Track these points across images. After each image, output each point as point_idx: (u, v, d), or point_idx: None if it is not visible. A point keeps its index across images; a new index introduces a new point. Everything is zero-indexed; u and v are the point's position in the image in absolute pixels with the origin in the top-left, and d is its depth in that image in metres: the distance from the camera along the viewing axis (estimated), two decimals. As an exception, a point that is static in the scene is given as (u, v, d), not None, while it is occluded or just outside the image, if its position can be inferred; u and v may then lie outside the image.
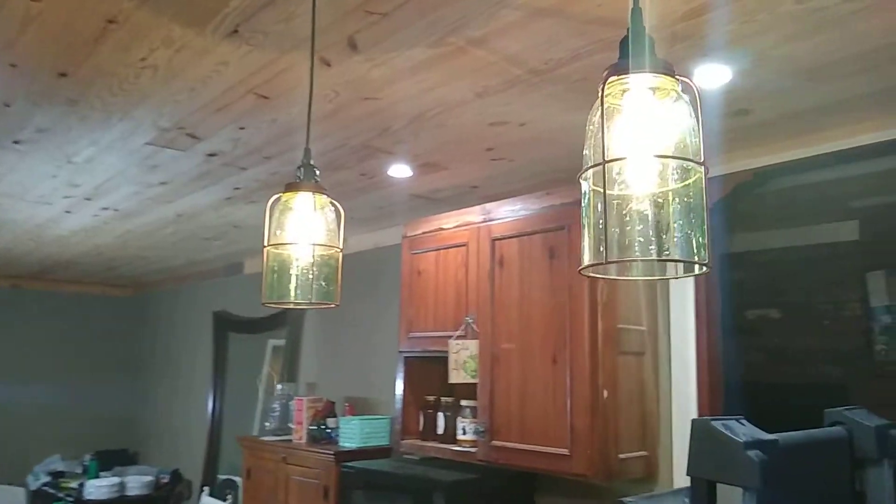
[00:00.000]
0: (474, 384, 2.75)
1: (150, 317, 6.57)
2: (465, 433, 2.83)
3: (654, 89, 0.79)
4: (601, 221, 0.81)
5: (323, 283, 1.24)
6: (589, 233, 0.84)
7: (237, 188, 3.15)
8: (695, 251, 0.73)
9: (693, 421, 1.43)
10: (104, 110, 2.22)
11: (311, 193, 1.27)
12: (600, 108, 0.77)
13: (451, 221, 2.99)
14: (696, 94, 0.75)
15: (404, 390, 3.15)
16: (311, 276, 1.22)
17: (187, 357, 5.82)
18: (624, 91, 0.81)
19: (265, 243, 1.29)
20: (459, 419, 2.86)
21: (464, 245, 2.90)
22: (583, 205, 0.89)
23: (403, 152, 2.61)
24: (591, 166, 0.82)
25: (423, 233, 3.12)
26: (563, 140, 2.41)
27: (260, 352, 4.99)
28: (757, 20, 1.56)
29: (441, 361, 2.98)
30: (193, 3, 1.55)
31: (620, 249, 0.81)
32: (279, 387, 4.19)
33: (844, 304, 3.39)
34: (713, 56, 1.75)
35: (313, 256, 1.22)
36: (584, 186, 0.86)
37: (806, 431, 1.77)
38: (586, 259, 0.84)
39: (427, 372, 3.19)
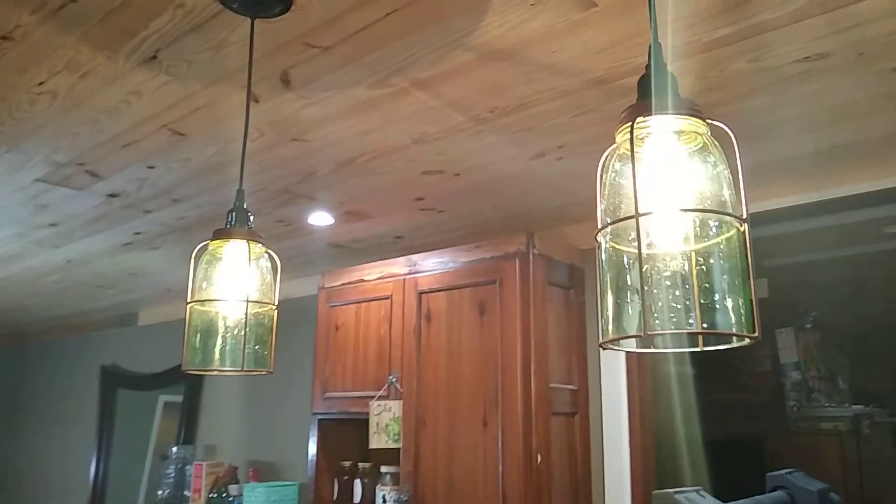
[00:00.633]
0: (397, 449, 2.57)
1: (31, 370, 5.94)
2: (385, 502, 2.62)
3: (679, 133, 0.70)
4: (623, 286, 0.69)
5: (256, 347, 1.07)
6: (609, 298, 0.72)
7: (138, 233, 2.88)
8: (741, 320, 0.63)
9: (654, 494, 1.33)
10: (-12, 140, 1.96)
11: (244, 241, 1.11)
12: (630, 153, 0.67)
13: (373, 272, 2.84)
14: (733, 139, 0.66)
15: (317, 455, 2.91)
16: (241, 339, 1.04)
17: (70, 415, 5.27)
18: (644, 136, 0.71)
19: (188, 299, 1.10)
20: (379, 487, 2.66)
21: (387, 298, 2.75)
22: (601, 266, 0.76)
23: (327, 199, 2.45)
24: (619, 220, 0.70)
25: (343, 284, 2.94)
26: (498, 192, 2.33)
27: (152, 410, 4.58)
28: (710, 77, 1.54)
29: (359, 424, 2.78)
30: (108, 22, 1.36)
31: (657, 319, 0.69)
32: (174, 449, 3.82)
33: (758, 361, 3.47)
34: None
35: (246, 315, 1.05)
36: (603, 244, 0.75)
37: (753, 498, 1.72)
38: (611, 329, 0.71)
39: (343, 435, 2.98)
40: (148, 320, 4.77)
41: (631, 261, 0.72)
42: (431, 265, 2.63)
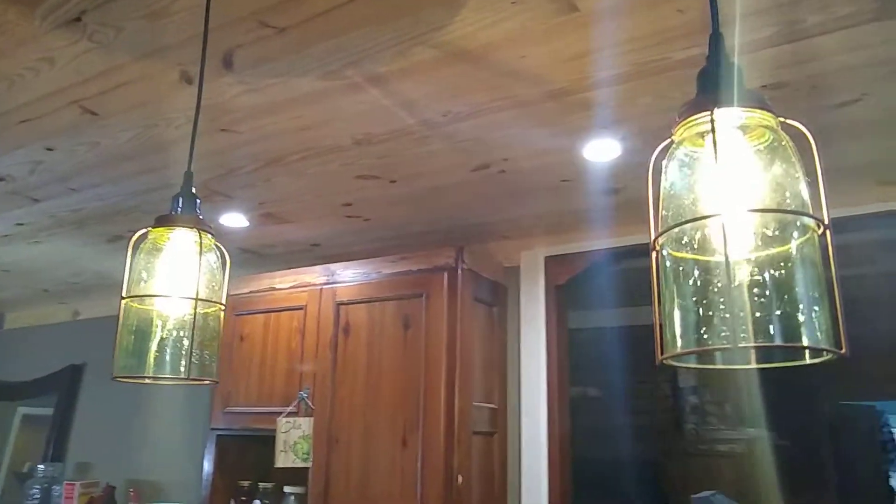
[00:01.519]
0: (302, 468, 2.41)
1: None
2: (289, 526, 2.45)
3: (746, 128, 0.64)
4: (697, 297, 0.63)
5: (204, 353, 0.92)
6: (673, 311, 0.65)
7: (21, 223, 2.57)
8: (822, 332, 0.58)
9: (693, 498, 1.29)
10: None
11: (193, 231, 0.96)
12: (713, 149, 0.61)
13: (286, 281, 2.68)
14: (809, 138, 0.62)
15: (213, 474, 2.69)
16: (183, 343, 0.90)
17: None
18: (705, 133, 0.65)
19: (124, 293, 0.94)
20: (283, 509, 2.49)
21: (301, 308, 2.59)
22: (659, 275, 0.70)
23: (245, 199, 2.29)
24: (687, 222, 0.62)
25: (251, 292, 2.76)
26: (431, 202, 2.26)
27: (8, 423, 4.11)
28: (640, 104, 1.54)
29: (260, 441, 2.60)
30: (30, -29, 1.18)
31: (729, 332, 0.63)
32: (40, 467, 3.43)
33: (658, 385, 3.57)
34: (607, 131, 1.71)
35: (195, 315, 0.90)
36: (664, 252, 0.68)
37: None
38: (680, 343, 0.64)
39: (242, 452, 2.77)
40: (17, 323, 4.30)
41: (699, 270, 0.66)
42: (352, 276, 2.51)
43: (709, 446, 3.18)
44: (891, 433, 4.04)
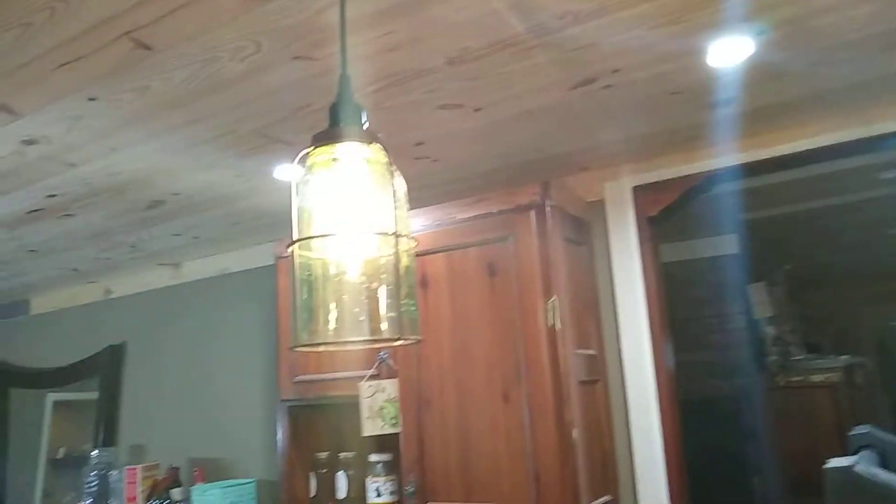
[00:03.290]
0: (390, 435, 2.23)
1: None
2: (379, 495, 2.28)
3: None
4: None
5: (407, 304, 0.70)
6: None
7: (53, 195, 2.33)
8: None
9: (829, 471, 1.09)
10: None
11: (363, 146, 0.73)
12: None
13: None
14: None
15: (288, 447, 2.52)
16: (379, 295, 0.68)
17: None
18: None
19: (295, 236, 0.72)
20: (370, 479, 2.31)
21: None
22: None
23: (304, 144, 2.04)
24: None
25: (309, 251, 2.53)
26: (512, 135, 2.01)
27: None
28: None
29: (331, 411, 2.43)
30: None
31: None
32: (94, 453, 3.27)
33: (730, 317, 3.37)
34: (740, 26, 1.47)
35: (397, 254, 0.68)
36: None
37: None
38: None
39: (314, 423, 2.60)
40: (42, 307, 4.09)
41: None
42: (422, 224, 2.28)
43: (803, 377, 3.00)
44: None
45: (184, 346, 3.34)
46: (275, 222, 2.85)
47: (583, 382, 2.14)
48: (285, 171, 2.25)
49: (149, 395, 3.44)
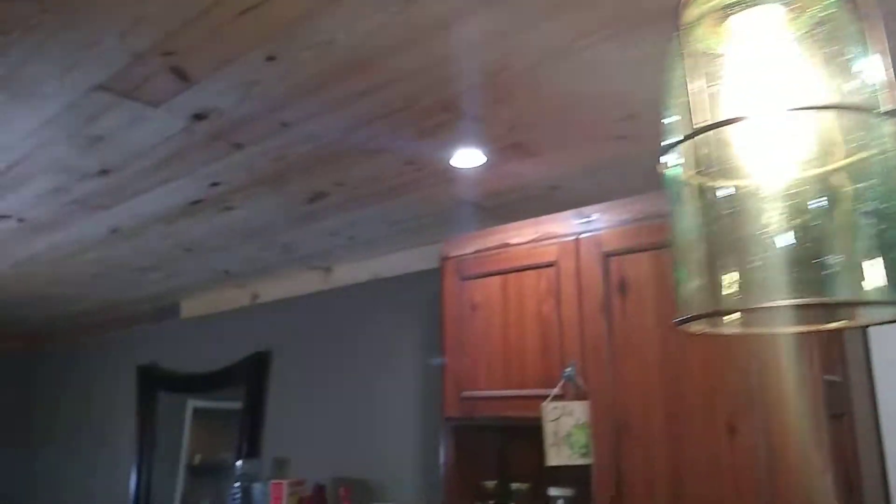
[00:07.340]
0: (575, 467, 1.89)
1: (47, 377, 5.25)
2: (562, 538, 1.94)
3: None
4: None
5: None
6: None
7: (215, 183, 2.20)
8: None
9: None
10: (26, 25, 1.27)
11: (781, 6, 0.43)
12: None
13: (524, 234, 2.16)
14: None
15: (451, 472, 2.23)
16: (854, 224, 0.37)
17: (102, 426, 4.58)
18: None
19: (691, 129, 0.42)
20: (550, 516, 1.98)
21: (550, 265, 2.06)
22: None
23: (491, 121, 1.77)
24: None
25: (478, 252, 2.26)
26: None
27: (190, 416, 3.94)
28: None
29: (502, 433, 2.11)
30: None
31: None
32: (238, 464, 3.14)
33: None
34: None
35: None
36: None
37: None
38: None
39: (482, 446, 2.30)
40: (193, 312, 4.09)
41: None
42: (618, 219, 1.95)
43: None
44: None
45: (332, 354, 3.16)
46: (436, 222, 2.60)
47: (832, 416, 1.71)
48: (465, 157, 1.99)
49: (294, 406, 3.29)
